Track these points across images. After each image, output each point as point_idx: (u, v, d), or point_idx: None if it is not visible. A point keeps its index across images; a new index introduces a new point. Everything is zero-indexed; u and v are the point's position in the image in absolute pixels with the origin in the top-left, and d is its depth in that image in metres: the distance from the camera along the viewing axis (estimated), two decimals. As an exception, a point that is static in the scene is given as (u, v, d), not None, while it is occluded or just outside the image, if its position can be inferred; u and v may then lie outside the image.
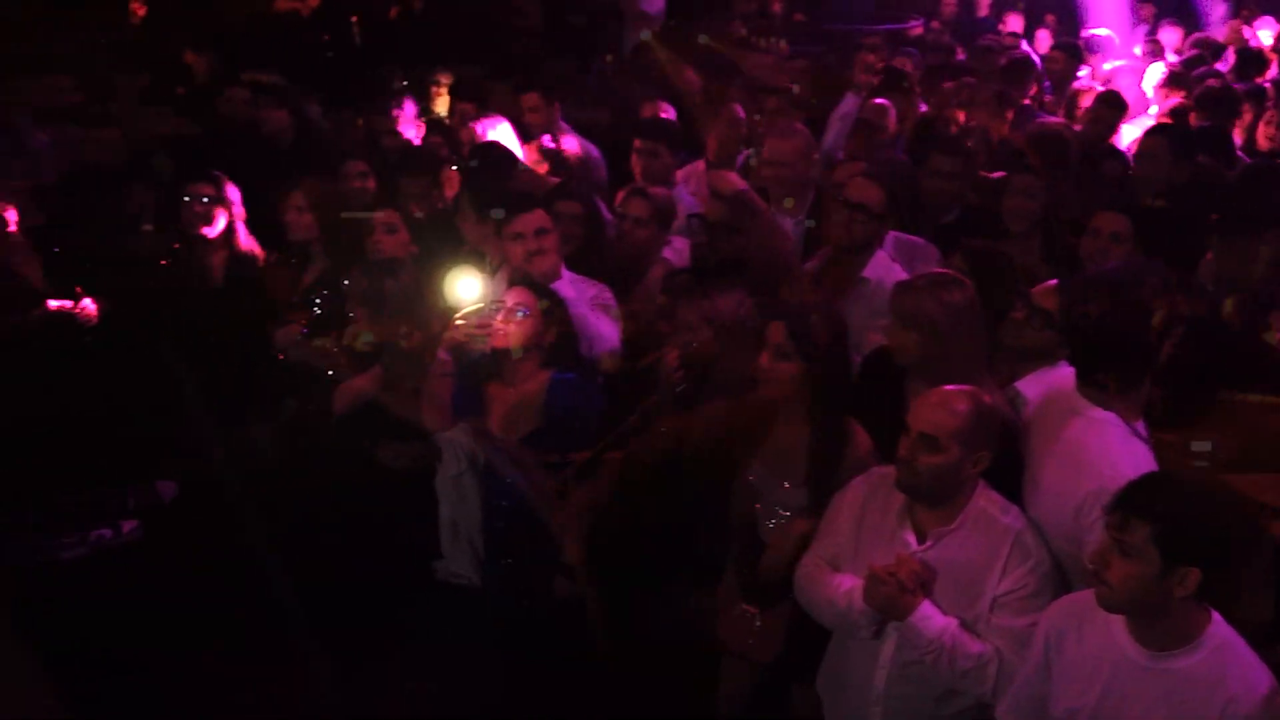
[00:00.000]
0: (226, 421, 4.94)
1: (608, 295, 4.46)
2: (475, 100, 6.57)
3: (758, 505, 3.56)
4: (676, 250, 4.83)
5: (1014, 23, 10.90)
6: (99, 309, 4.87)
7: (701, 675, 3.83)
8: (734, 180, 4.35)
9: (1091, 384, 3.04)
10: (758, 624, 3.53)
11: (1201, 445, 3.01)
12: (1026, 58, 8.44)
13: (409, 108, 6.51)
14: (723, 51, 7.95)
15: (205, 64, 6.91)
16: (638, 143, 5.56)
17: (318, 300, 4.83)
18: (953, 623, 2.87)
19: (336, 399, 4.41)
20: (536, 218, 4.32)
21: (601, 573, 3.99)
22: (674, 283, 4.61)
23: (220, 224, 5.08)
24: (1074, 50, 8.27)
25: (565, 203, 4.77)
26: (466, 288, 3.85)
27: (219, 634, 4.18)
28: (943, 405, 2.92)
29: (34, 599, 3.76)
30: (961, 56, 9.47)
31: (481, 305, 3.86)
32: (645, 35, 7.91)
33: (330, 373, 4.80)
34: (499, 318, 3.86)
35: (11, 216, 4.68)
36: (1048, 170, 5.05)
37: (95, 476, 4.63)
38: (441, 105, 7.20)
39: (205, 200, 5.02)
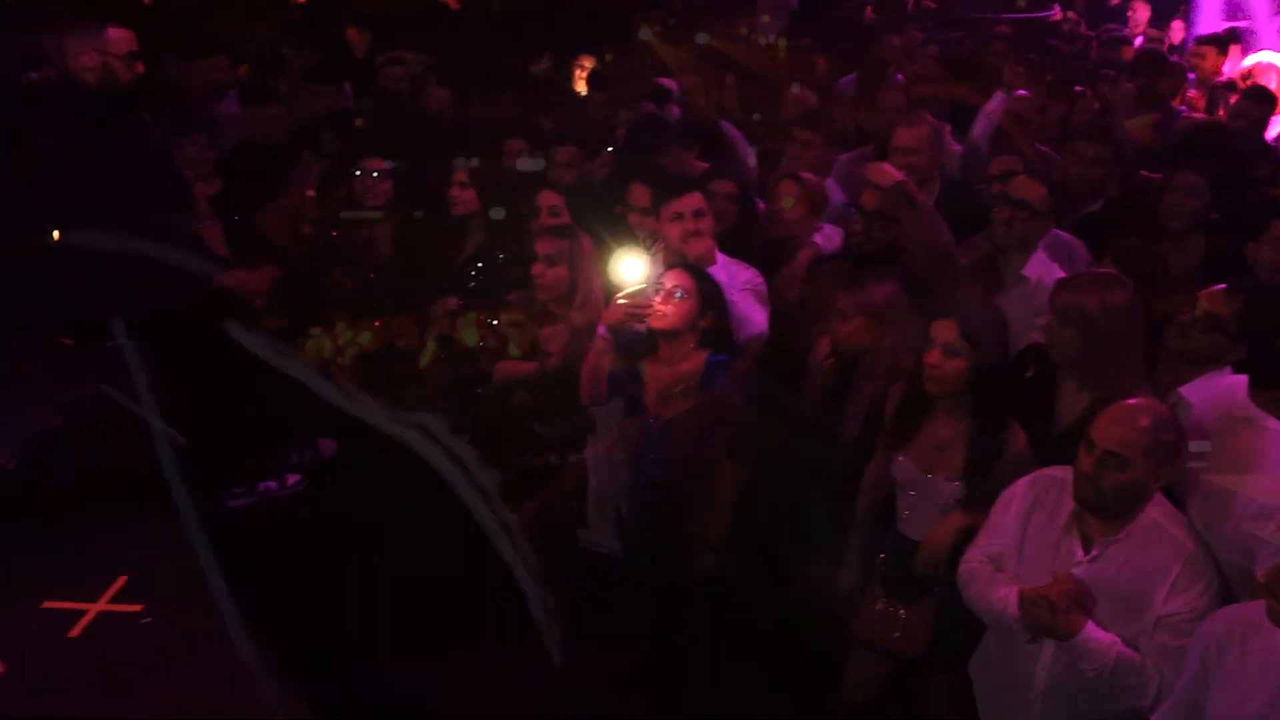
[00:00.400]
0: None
1: (759, 280, 4.43)
2: (609, 88, 6.55)
3: (902, 496, 3.52)
4: (826, 236, 4.77)
5: (1142, 11, 10.42)
6: (271, 275, 5.00)
7: (824, 655, 3.84)
8: (891, 171, 4.25)
9: (1270, 394, 2.92)
10: (902, 619, 3.48)
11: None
12: (1154, 51, 8.09)
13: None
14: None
15: (365, 42, 7.06)
16: (797, 132, 5.52)
17: (474, 273, 4.93)
18: (1116, 641, 2.78)
19: (496, 373, 4.48)
20: (694, 199, 4.33)
21: (743, 550, 4.00)
22: (826, 270, 4.59)
23: (387, 197, 5.19)
24: (1223, 44, 7.88)
25: (720, 182, 4.78)
26: (629, 268, 3.85)
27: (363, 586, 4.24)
28: (1129, 421, 2.78)
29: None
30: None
31: (642, 286, 3.86)
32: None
33: (482, 344, 4.92)
34: (658, 299, 3.86)
35: (201, 190, 4.83)
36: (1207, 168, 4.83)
37: (265, 433, 4.76)
38: (583, 87, 7.20)
39: (376, 175, 5.13)
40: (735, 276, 4.33)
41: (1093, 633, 2.78)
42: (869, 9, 10.07)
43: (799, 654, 3.94)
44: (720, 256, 4.35)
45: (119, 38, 4.26)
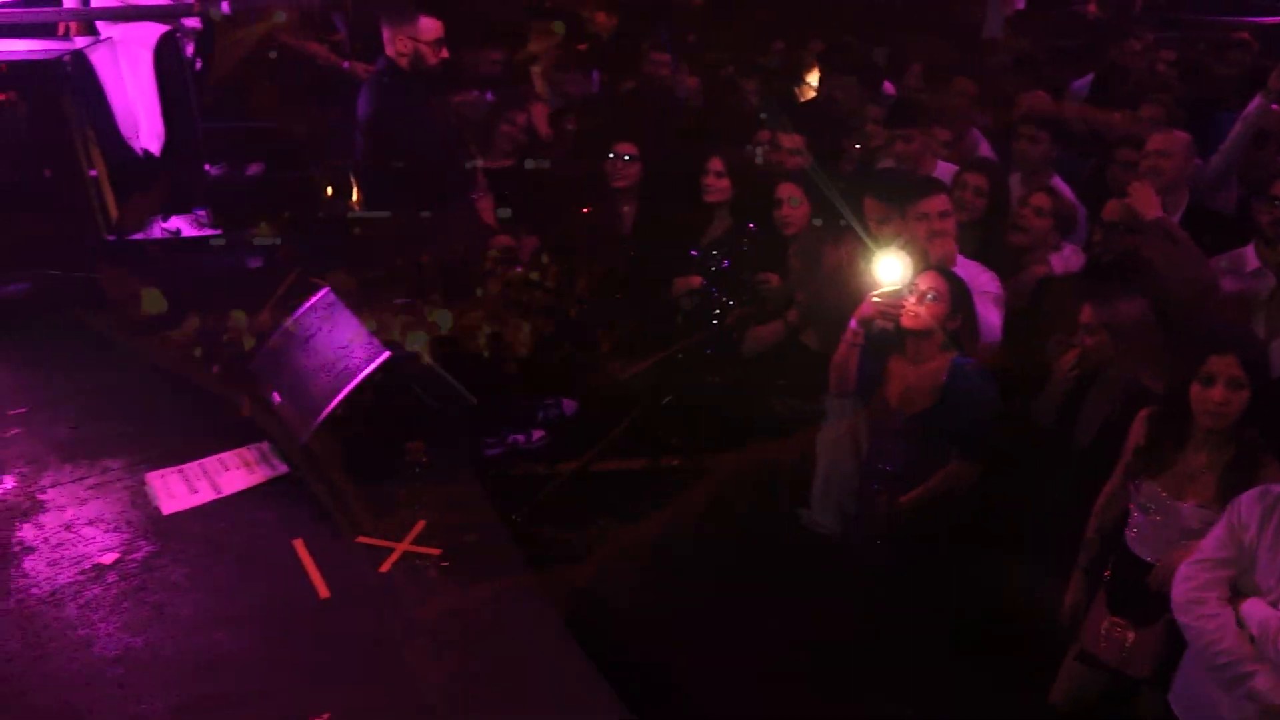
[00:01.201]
0: (622, 352, 5.15)
1: (996, 285, 4.30)
2: (855, 71, 6.37)
3: (1139, 517, 3.37)
4: (1064, 258, 4.58)
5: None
6: (532, 245, 5.12)
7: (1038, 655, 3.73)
8: (1154, 204, 4.03)
9: None
10: (1131, 640, 3.35)
11: None
12: None
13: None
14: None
15: (612, 26, 7.08)
16: (1024, 129, 5.31)
17: (716, 254, 4.95)
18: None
19: (747, 343, 4.52)
20: (940, 201, 4.27)
21: (958, 542, 3.93)
22: (1067, 282, 4.43)
23: (635, 179, 5.24)
24: None
25: (972, 174, 4.67)
26: (888, 268, 3.81)
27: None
28: None
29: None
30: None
31: (897, 286, 3.81)
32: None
33: (715, 321, 4.96)
34: (911, 299, 3.81)
35: (480, 163, 4.98)
36: None
37: (518, 390, 4.92)
38: (813, 76, 7.05)
39: (626, 158, 5.18)
40: (975, 279, 4.21)
41: (1249, 608, 2.72)
42: (1091, 6, 9.53)
43: (1006, 650, 3.85)
44: (960, 258, 4.26)
45: (429, 26, 4.45)
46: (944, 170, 5.11)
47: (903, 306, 3.80)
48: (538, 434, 5.01)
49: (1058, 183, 5.02)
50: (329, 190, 5.77)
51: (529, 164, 5.02)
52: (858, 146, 5.23)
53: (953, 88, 5.80)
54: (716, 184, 4.90)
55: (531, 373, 5.00)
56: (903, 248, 4.25)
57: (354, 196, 5.64)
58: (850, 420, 4.15)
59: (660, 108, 5.73)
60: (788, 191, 4.73)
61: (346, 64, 5.79)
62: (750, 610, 4.06)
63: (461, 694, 2.70)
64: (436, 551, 3.16)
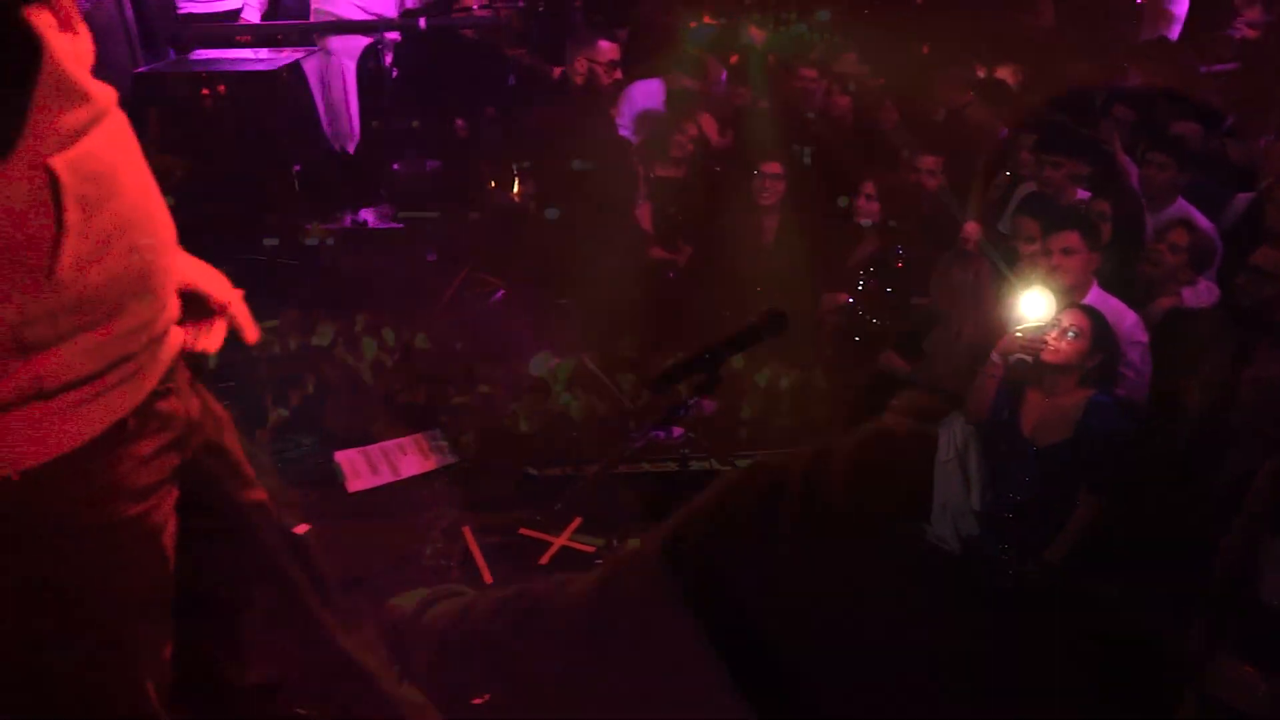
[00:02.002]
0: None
1: (1142, 332, 4.12)
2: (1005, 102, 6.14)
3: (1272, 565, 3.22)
4: (1197, 292, 4.35)
5: None
6: (687, 253, 5.14)
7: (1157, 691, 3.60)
8: None
9: None
10: (1263, 689, 3.21)
11: None
12: None
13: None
14: None
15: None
16: (1151, 154, 5.05)
17: (864, 273, 4.87)
18: None
19: (877, 362, 4.48)
20: (1067, 238, 4.12)
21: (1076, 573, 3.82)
22: (1204, 317, 4.23)
23: (779, 196, 5.20)
24: None
25: (1097, 201, 4.55)
26: (1032, 304, 3.70)
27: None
28: None
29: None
30: None
31: (1040, 322, 3.70)
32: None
33: (857, 339, 4.89)
34: (1053, 335, 3.70)
35: (641, 172, 5.02)
36: None
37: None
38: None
39: (772, 176, 5.15)
40: (1120, 322, 4.06)
41: None
42: (1244, 29, 8.92)
43: (1125, 684, 3.73)
44: (1095, 291, 4.12)
45: (606, 48, 4.50)
46: (1083, 199, 4.91)
47: (1045, 342, 3.70)
48: (678, 431, 5.03)
49: (1193, 212, 4.77)
50: (492, 184, 5.90)
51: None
52: (1007, 174, 5.05)
53: (1112, 113, 5.53)
54: (868, 206, 4.83)
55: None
56: (1043, 279, 4.17)
57: (515, 189, 5.74)
58: (959, 446, 4.08)
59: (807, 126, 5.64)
60: (975, 232, 4.62)
61: (558, 71, 5.84)
62: (872, 619, 4.03)
63: (590, 681, 2.74)
64: (592, 549, 3.23)
